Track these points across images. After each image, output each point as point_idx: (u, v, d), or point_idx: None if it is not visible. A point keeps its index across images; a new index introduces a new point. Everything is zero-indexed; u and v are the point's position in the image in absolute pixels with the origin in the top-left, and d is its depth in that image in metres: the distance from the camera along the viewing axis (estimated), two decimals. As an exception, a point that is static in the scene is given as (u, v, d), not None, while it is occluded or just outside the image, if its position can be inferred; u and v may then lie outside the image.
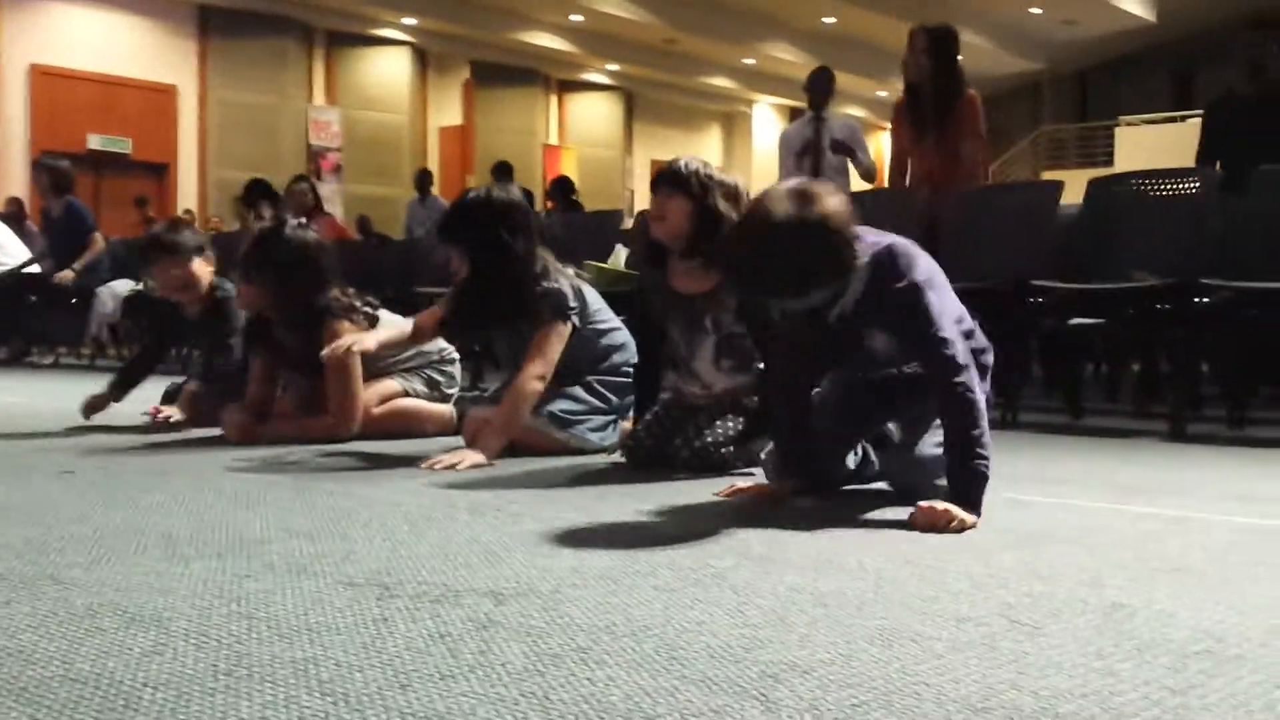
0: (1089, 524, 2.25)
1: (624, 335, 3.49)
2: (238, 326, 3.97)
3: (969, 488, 2.22)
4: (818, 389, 2.54)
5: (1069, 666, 1.28)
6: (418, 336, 3.53)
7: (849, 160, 6.80)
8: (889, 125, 6.31)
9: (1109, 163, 18.42)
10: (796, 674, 1.24)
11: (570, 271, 3.41)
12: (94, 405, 4.05)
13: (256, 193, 9.91)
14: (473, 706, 1.13)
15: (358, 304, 3.66)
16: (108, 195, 15.54)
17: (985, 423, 2.25)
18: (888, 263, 2.28)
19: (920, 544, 2.00)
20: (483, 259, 3.29)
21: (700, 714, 1.11)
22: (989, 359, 2.51)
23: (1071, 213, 4.97)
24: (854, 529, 2.15)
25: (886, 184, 5.96)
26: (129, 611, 1.48)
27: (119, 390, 4.16)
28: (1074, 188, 5.08)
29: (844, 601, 1.57)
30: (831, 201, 2.17)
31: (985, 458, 2.23)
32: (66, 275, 8.20)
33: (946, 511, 2.15)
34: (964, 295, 4.38)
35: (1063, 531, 2.16)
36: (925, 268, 2.33)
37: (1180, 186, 4.66)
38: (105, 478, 2.73)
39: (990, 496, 2.22)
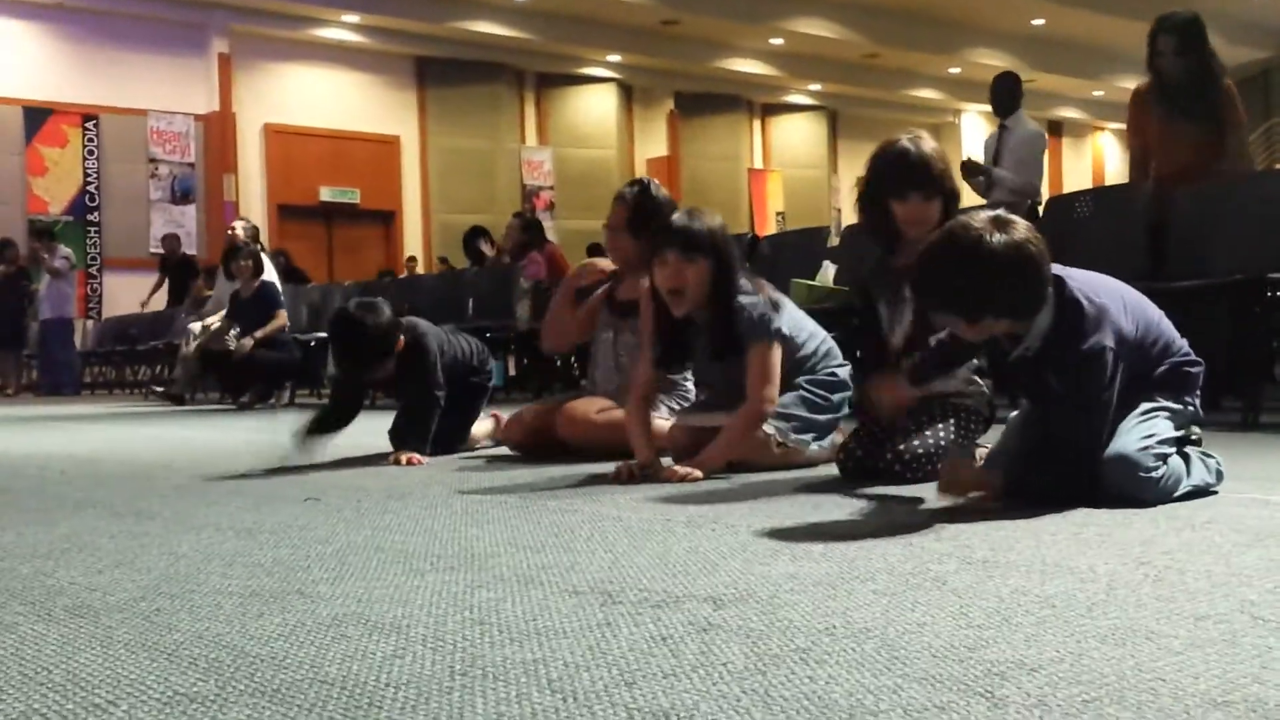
0: (1342, 522, 2.12)
1: (825, 339, 3.47)
2: (433, 361, 4.07)
3: (1039, 474, 2.38)
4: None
5: (1320, 662, 1.21)
6: (650, 400, 3.50)
7: (983, 178, 6.66)
8: (1104, 125, 6.10)
9: (1352, 149, 17.23)
10: (1023, 672, 1.22)
11: (764, 285, 3.39)
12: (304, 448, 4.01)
13: (475, 236, 10.33)
14: (695, 703, 1.15)
15: None
16: (339, 243, 16.44)
17: (1082, 467, 2.37)
18: (1077, 316, 2.35)
19: (1154, 546, 1.92)
20: (719, 286, 3.26)
21: (924, 710, 1.10)
22: (1197, 370, 2.54)
23: (1311, 204, 4.69)
24: (1079, 532, 2.08)
25: (1128, 179, 5.73)
26: (371, 620, 1.56)
27: (313, 438, 4.06)
28: (1312, 178, 4.79)
29: (1073, 603, 1.52)
30: (1033, 235, 2.29)
31: (1069, 477, 2.37)
32: (246, 344, 8.67)
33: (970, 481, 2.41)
34: (1198, 293, 4.20)
35: (1313, 530, 2.04)
36: (1113, 319, 2.37)
37: None
38: (347, 503, 2.89)
39: (1228, 496, 2.12)
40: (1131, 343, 2.41)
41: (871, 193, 3.05)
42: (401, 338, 3.99)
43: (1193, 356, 2.55)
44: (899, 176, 2.97)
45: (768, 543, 2.08)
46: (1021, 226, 2.29)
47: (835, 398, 3.40)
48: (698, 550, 2.02)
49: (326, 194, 16.31)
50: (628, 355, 3.92)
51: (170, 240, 14.40)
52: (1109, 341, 2.34)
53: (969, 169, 6.88)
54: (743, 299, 3.26)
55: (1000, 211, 2.35)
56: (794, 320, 3.40)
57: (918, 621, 1.45)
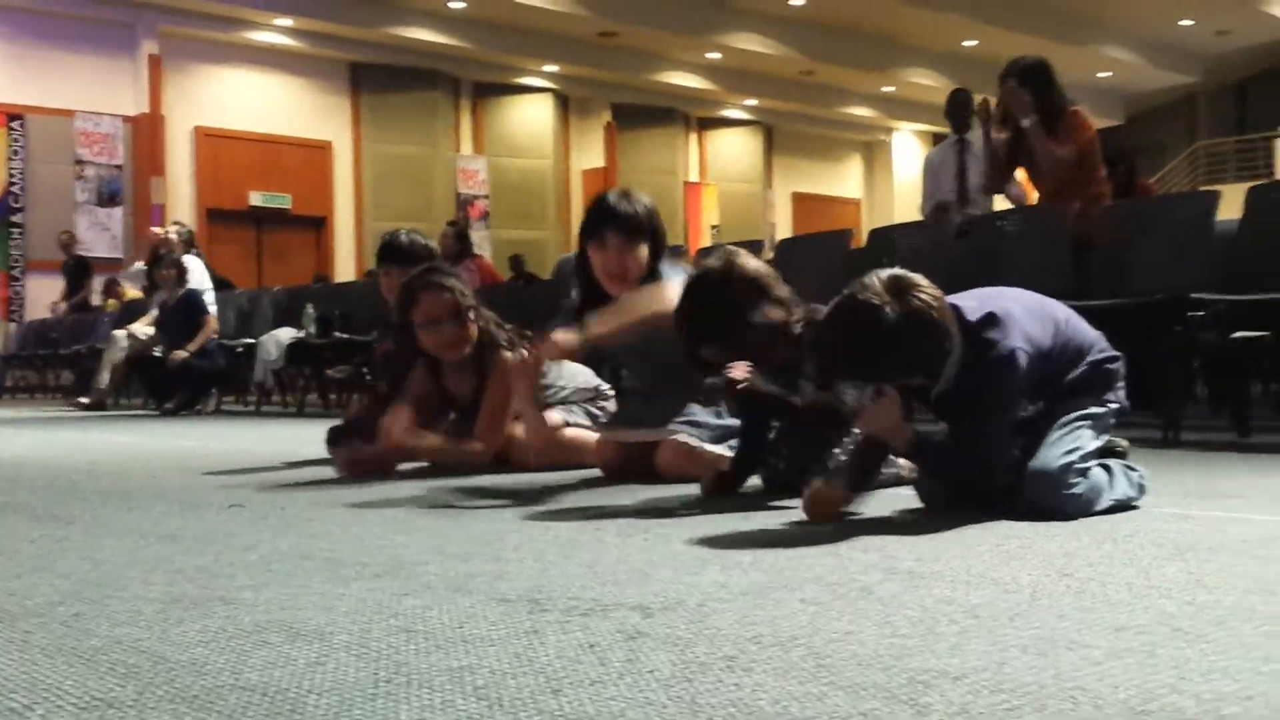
0: (1258, 535, 2.17)
1: None
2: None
3: (941, 458, 2.46)
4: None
5: (1234, 671, 1.23)
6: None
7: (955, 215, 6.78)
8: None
9: (1270, 175, 17.70)
10: (947, 680, 1.23)
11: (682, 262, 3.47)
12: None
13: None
14: (622, 709, 1.15)
15: (509, 331, 3.74)
16: (269, 249, 16.23)
17: (982, 484, 2.46)
18: (981, 336, 2.39)
19: (1076, 558, 1.95)
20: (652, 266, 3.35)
21: (849, 717, 1.11)
22: (1117, 366, 2.58)
23: (1232, 227, 4.80)
24: (1003, 544, 2.11)
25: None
26: (294, 627, 1.54)
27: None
28: (1234, 202, 4.91)
29: (996, 613, 1.54)
30: (927, 292, 2.31)
31: (964, 477, 2.47)
32: (179, 355, 8.55)
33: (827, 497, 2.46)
34: (1120, 312, 4.28)
35: (1229, 543, 2.08)
36: (1018, 324, 2.42)
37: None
38: (272, 510, 2.84)
39: (1150, 510, 2.16)
40: (1043, 346, 2.45)
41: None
42: None
43: (1110, 352, 2.58)
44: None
45: (697, 552, 2.08)
46: (918, 287, 2.30)
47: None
48: (627, 559, 2.02)
49: (257, 199, 16.10)
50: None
51: (64, 238, 14.14)
52: (1017, 342, 2.38)
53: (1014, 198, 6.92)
54: (671, 284, 3.31)
55: (896, 271, 2.35)
56: None
57: (844, 630, 1.46)
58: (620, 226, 3.28)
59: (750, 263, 2.76)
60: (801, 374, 2.78)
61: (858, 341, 2.32)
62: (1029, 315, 2.48)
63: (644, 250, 3.29)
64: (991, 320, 2.41)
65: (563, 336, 3.15)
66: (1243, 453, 4.04)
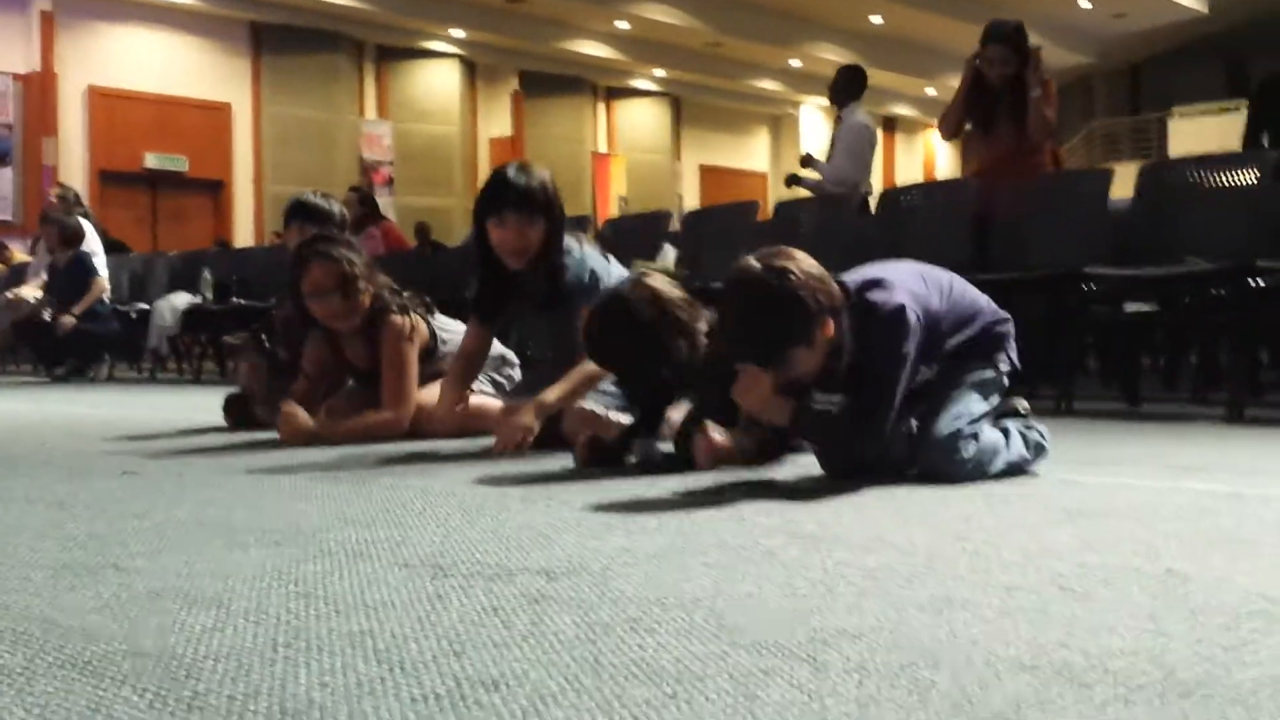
0: (1145, 501, 2.23)
1: None
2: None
3: (819, 422, 2.48)
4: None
5: (1121, 628, 1.27)
6: (476, 357, 3.55)
7: (814, 169, 6.89)
8: (934, 122, 6.26)
9: (1164, 155, 18.19)
10: (845, 639, 1.25)
11: (583, 237, 3.47)
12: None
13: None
14: (525, 671, 1.15)
15: (416, 311, 3.70)
16: (164, 212, 15.82)
17: (862, 449, 2.50)
18: (870, 302, 2.43)
19: (971, 522, 1.99)
20: (550, 240, 3.32)
21: (750, 674, 1.12)
22: (1007, 328, 2.63)
23: (1125, 205, 4.93)
24: (901, 509, 2.15)
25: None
26: (190, 594, 1.51)
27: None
28: (1127, 180, 5.03)
29: (893, 574, 1.57)
30: (802, 264, 2.36)
31: (844, 454, 2.52)
32: (68, 321, 8.34)
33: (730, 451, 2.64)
34: (1017, 285, 4.37)
35: (1118, 508, 2.14)
36: (906, 286, 2.47)
37: (1234, 172, 4.59)
38: (167, 477, 2.78)
39: (1044, 476, 2.21)
40: (930, 306, 2.49)
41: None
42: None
43: (1000, 315, 2.64)
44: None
45: (602, 517, 2.08)
46: (793, 259, 2.36)
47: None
48: (531, 525, 2.01)
49: (152, 161, 15.65)
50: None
51: None
52: (902, 299, 2.41)
53: (805, 163, 7.05)
54: (567, 257, 3.33)
55: (775, 248, 2.41)
56: (622, 277, 3.43)
57: (746, 592, 1.47)
58: (519, 204, 3.26)
59: (652, 297, 2.80)
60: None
61: (748, 315, 2.38)
62: (914, 277, 2.53)
63: (542, 225, 3.28)
64: (875, 283, 2.46)
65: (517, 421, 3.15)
66: (1132, 422, 4.16)
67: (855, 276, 2.50)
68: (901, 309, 2.40)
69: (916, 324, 2.41)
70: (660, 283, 2.84)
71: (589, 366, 3.15)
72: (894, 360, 2.41)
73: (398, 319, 3.62)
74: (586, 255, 3.38)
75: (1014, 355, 2.63)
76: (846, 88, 7.05)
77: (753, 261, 2.37)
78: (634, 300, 2.80)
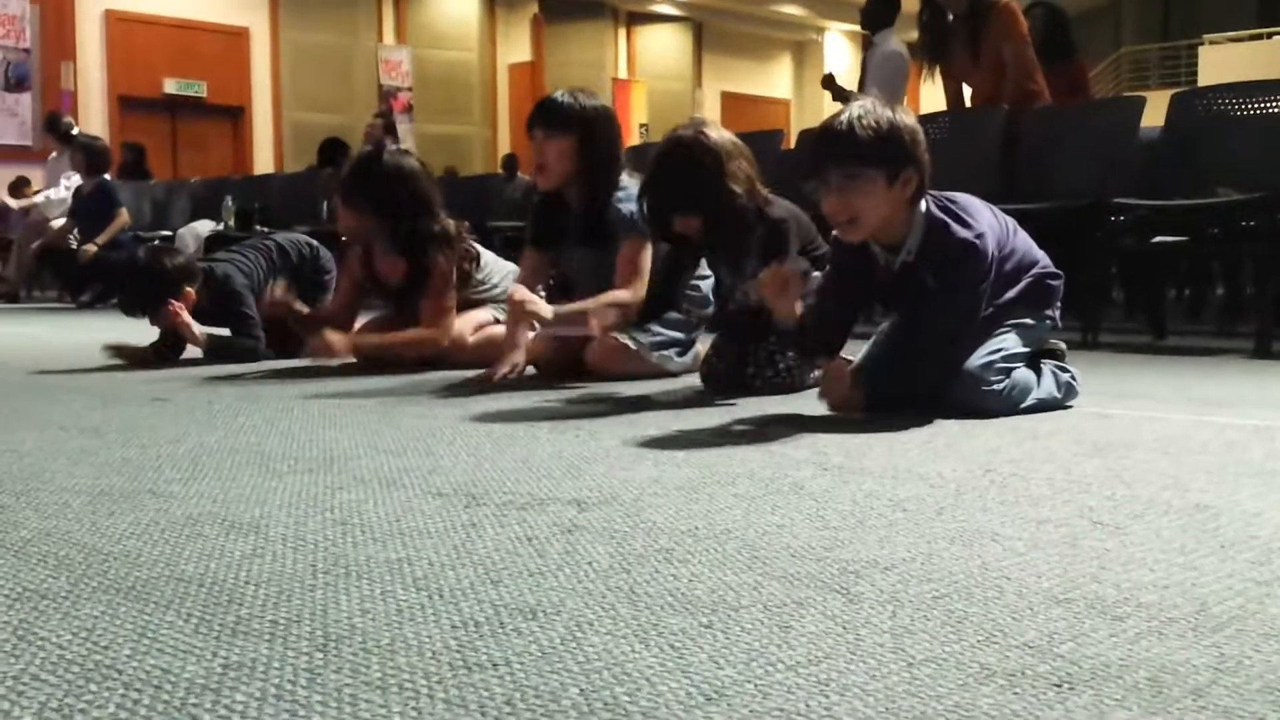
0: (1172, 434, 2.23)
1: None
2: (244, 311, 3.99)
3: (893, 385, 2.49)
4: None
5: (1151, 562, 1.28)
6: (532, 282, 3.47)
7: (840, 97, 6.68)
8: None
9: (1193, 83, 17.89)
10: (877, 570, 1.26)
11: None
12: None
13: (336, 150, 9.98)
14: (562, 599, 1.16)
15: (462, 237, 3.68)
16: (184, 139, 15.77)
17: (948, 363, 2.45)
18: (944, 223, 2.42)
19: (999, 455, 2.00)
20: (588, 168, 3.31)
21: (784, 605, 1.14)
22: (1058, 283, 2.62)
23: (1154, 134, 4.85)
24: (930, 441, 2.16)
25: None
26: (228, 520, 1.54)
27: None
28: (1157, 109, 4.94)
29: (923, 507, 1.58)
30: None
31: (928, 370, 2.47)
32: (90, 250, 8.35)
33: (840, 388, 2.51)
34: (1042, 215, 4.33)
35: (1145, 441, 2.14)
36: (985, 218, 2.49)
37: (1267, 101, 4.52)
38: (197, 404, 2.81)
39: (1072, 409, 2.21)
40: (1002, 244, 2.50)
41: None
42: (191, 290, 3.90)
43: (1052, 269, 2.63)
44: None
45: (631, 448, 2.10)
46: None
47: (695, 319, 3.41)
48: (561, 455, 2.03)
49: (171, 86, 15.55)
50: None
51: None
52: (982, 228, 2.42)
53: (827, 84, 6.90)
54: (621, 192, 3.28)
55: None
56: None
57: (776, 524, 1.49)
58: (545, 120, 3.25)
59: (715, 134, 2.89)
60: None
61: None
62: (989, 211, 2.52)
63: (570, 145, 3.24)
64: (957, 206, 2.45)
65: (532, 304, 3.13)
66: (1158, 355, 4.15)
67: (932, 196, 2.49)
68: (981, 238, 2.41)
69: (992, 260, 2.42)
70: (717, 132, 2.92)
71: (616, 293, 3.15)
72: (972, 294, 2.42)
73: (441, 259, 3.59)
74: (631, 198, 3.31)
75: (1058, 313, 2.63)
76: (880, 12, 6.84)
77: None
78: (694, 144, 2.87)
